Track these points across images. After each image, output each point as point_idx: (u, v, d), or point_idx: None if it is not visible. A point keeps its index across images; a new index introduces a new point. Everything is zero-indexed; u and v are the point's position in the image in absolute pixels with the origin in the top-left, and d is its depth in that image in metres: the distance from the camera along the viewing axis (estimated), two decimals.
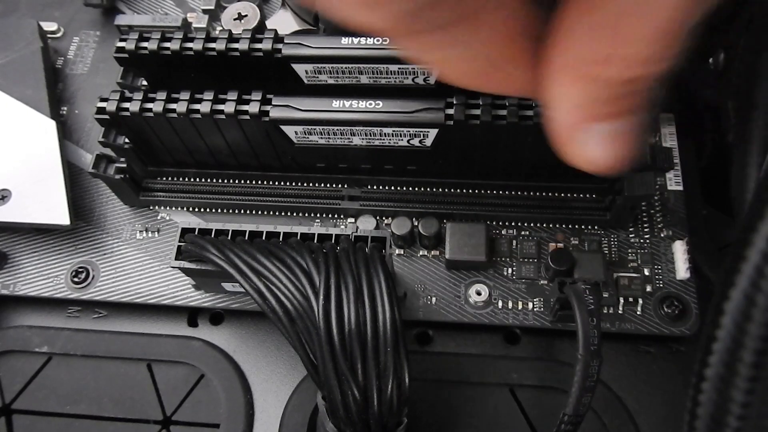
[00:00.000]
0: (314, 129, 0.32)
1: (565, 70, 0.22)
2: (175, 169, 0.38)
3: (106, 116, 0.33)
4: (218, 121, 0.33)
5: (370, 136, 0.32)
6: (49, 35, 0.45)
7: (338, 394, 0.27)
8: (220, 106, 0.32)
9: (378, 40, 0.32)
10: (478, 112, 0.30)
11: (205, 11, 0.42)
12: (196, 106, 0.32)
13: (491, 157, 0.34)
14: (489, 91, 0.23)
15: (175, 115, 0.32)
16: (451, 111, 0.31)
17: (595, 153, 0.22)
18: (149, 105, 0.33)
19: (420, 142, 0.32)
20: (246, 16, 0.39)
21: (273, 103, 0.32)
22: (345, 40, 0.32)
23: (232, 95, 0.32)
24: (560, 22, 0.22)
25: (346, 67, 0.33)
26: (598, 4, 0.20)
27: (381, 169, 0.36)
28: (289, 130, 0.33)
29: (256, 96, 0.32)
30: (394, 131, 0.32)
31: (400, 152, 0.33)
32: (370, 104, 0.31)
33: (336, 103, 0.32)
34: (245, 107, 0.32)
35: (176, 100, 0.33)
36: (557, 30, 0.22)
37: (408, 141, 0.32)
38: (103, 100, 0.33)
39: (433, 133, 0.32)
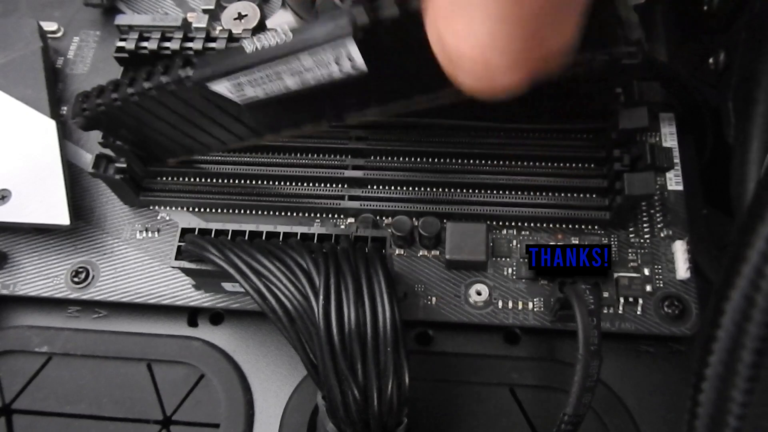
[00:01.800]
0: (240, 80, 0.31)
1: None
2: (173, 168, 0.38)
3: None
4: (157, 97, 0.32)
5: (299, 74, 0.30)
6: (49, 35, 0.45)
7: (338, 394, 0.27)
8: (147, 84, 0.32)
9: (278, 37, 0.30)
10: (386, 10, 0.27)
11: (205, 11, 0.42)
12: (131, 90, 0.32)
13: (431, 65, 0.27)
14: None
15: (119, 103, 0.32)
16: (356, 14, 0.28)
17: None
18: (99, 100, 0.33)
19: (351, 66, 0.30)
20: (246, 15, 0.39)
21: (194, 63, 0.31)
22: (248, 46, 0.31)
23: (161, 68, 0.32)
24: None
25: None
26: None
27: (341, 113, 0.33)
28: (221, 89, 0.31)
29: (178, 62, 0.31)
30: (315, 61, 0.30)
31: (343, 85, 0.31)
32: (279, 37, 0.29)
33: (249, 47, 0.30)
34: (165, 78, 0.31)
35: (117, 87, 0.32)
36: None
37: (338, 69, 0.30)
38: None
39: (354, 51, 0.29)
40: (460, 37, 0.21)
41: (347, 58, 0.29)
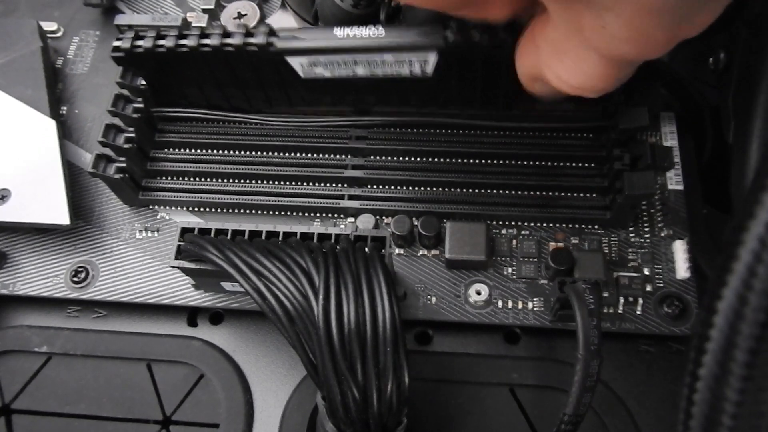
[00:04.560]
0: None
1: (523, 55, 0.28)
2: (173, 168, 0.38)
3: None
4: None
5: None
6: (49, 35, 0.45)
7: (338, 394, 0.27)
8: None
9: (372, 31, 0.32)
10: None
11: (204, 11, 0.42)
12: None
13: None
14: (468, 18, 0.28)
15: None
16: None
17: (549, 93, 0.28)
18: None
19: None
20: (245, 15, 0.39)
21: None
22: (339, 32, 0.32)
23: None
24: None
25: (341, 59, 0.33)
26: (550, 31, 0.25)
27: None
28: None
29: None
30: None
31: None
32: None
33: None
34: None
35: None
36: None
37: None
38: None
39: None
40: (569, 71, 0.25)
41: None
